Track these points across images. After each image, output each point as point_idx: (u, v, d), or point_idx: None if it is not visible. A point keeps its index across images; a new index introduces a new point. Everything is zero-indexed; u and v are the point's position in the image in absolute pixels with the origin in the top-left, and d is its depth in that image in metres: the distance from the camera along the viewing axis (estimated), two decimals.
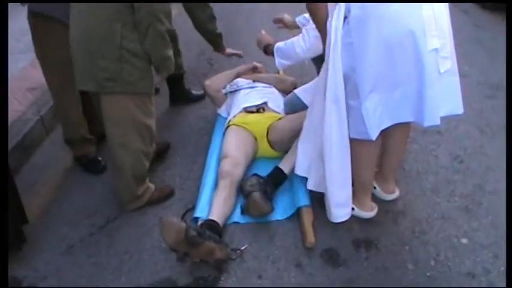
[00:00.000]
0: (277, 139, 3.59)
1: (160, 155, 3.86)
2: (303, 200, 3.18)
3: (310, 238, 2.92)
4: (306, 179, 3.20)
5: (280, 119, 3.72)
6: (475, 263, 2.75)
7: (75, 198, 3.62)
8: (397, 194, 3.26)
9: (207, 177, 3.48)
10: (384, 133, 2.73)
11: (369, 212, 3.11)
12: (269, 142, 3.64)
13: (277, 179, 3.35)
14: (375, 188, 3.22)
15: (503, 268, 2.69)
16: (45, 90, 4.35)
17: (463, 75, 4.50)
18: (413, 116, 2.62)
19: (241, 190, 3.24)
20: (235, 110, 3.91)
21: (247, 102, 3.92)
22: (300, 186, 3.26)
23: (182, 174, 3.71)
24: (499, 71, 4.53)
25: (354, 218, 3.11)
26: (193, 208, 3.06)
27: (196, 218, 3.15)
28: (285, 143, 3.51)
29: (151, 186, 3.42)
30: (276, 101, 3.97)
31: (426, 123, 2.60)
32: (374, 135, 2.62)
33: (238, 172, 3.37)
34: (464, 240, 2.91)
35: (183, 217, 2.92)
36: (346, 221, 3.08)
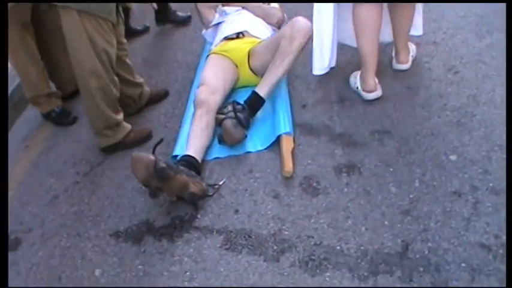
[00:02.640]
0: (258, 63, 3.44)
1: (155, 101, 3.76)
2: (284, 127, 3.03)
3: (287, 167, 2.80)
4: (289, 105, 3.26)
5: (260, 43, 3.51)
6: (462, 181, 2.56)
7: (62, 149, 3.60)
8: (409, 64, 3.42)
9: (188, 110, 3.37)
10: (390, 6, 3.17)
11: (370, 93, 3.21)
12: (250, 68, 3.48)
13: (255, 104, 3.20)
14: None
15: (491, 184, 2.50)
16: None
17: None
18: None
19: (216, 119, 3.11)
20: (216, 40, 3.76)
21: (228, 31, 3.73)
22: (281, 113, 3.12)
23: (167, 112, 3.62)
24: None
25: (336, 142, 2.98)
26: (161, 141, 2.92)
27: (176, 156, 3.04)
28: (266, 67, 3.30)
29: (127, 125, 3.34)
30: (259, 28, 3.77)
31: None
32: None
33: (215, 99, 3.23)
34: (453, 157, 2.71)
35: (153, 151, 2.79)
36: (328, 146, 2.97)
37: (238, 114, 3.07)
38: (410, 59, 3.45)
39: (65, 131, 3.76)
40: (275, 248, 2.46)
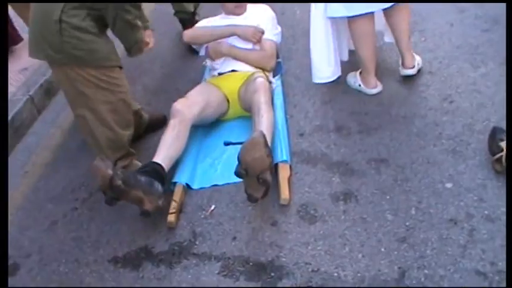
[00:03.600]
0: (247, 105, 3.42)
1: (154, 127, 3.76)
2: (281, 155, 3.06)
3: (284, 194, 2.82)
4: (287, 133, 3.30)
5: (251, 75, 3.56)
6: (458, 208, 2.59)
7: (61, 175, 3.62)
8: (416, 69, 3.58)
9: None
10: (385, 13, 3.44)
11: (372, 89, 3.57)
12: (241, 106, 3.55)
13: None
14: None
15: (486, 212, 2.53)
16: (36, 69, 4.33)
17: (461, 11, 4.38)
18: None
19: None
20: (211, 72, 3.92)
21: (223, 67, 3.82)
22: (279, 141, 3.15)
23: None
24: (497, 4, 4.25)
25: (333, 170, 3.01)
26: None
27: (175, 183, 3.11)
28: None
29: (136, 163, 3.32)
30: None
31: None
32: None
33: (192, 112, 3.27)
34: (448, 185, 2.74)
35: (115, 163, 2.92)
36: (326, 174, 2.99)
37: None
38: (417, 65, 3.58)
39: (65, 158, 3.78)
40: (273, 274, 2.48)
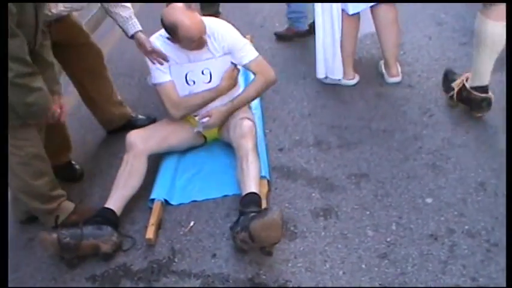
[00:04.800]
0: (226, 135, 3.29)
1: (75, 179, 3.49)
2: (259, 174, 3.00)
3: None
4: (266, 148, 3.30)
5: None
6: (439, 224, 2.59)
7: None
8: (399, 78, 3.79)
9: (168, 155, 3.41)
10: (373, 15, 3.68)
11: (351, 80, 3.85)
12: (220, 136, 3.43)
13: (257, 201, 2.76)
14: (382, 75, 3.88)
15: (467, 227, 2.54)
16: None
17: (439, 24, 4.40)
18: None
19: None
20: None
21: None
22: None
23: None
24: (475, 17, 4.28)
25: (313, 185, 3.00)
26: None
27: (153, 200, 3.07)
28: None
29: (66, 205, 3.02)
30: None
31: None
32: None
33: (147, 145, 3.12)
34: (429, 200, 2.74)
35: (56, 224, 2.83)
36: (306, 190, 2.98)
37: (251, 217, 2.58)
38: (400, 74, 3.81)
39: None
40: None
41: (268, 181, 3.03)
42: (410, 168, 2.97)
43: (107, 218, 2.83)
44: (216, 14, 4.71)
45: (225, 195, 3.03)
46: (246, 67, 3.24)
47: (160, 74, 3.18)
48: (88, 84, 3.58)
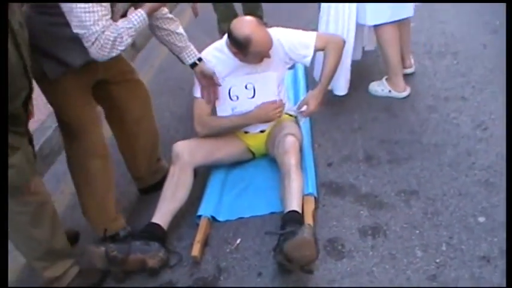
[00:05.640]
0: (273, 155, 3.25)
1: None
2: (306, 188, 2.99)
3: None
4: (313, 163, 3.23)
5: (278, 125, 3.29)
6: (491, 245, 2.49)
7: None
8: (413, 69, 3.95)
9: (215, 170, 3.41)
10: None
11: (402, 92, 3.75)
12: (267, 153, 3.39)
13: (297, 219, 2.73)
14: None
15: None
16: None
17: (494, 31, 4.27)
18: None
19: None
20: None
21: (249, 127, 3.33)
22: (305, 172, 3.08)
23: None
24: None
25: (362, 203, 2.94)
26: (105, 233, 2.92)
27: (200, 216, 3.06)
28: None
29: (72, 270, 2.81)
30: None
31: None
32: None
33: (193, 157, 3.10)
34: (481, 219, 2.65)
35: (104, 239, 2.84)
36: (354, 207, 2.93)
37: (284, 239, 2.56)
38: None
39: None
40: None
41: (315, 198, 2.97)
42: (462, 185, 2.88)
43: (154, 234, 2.84)
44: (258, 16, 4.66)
45: (272, 212, 2.98)
46: (316, 50, 3.19)
47: (198, 89, 3.20)
48: (130, 129, 3.17)
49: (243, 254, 2.81)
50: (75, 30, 2.39)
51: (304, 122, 3.55)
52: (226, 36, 3.09)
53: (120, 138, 3.24)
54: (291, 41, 3.17)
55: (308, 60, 3.22)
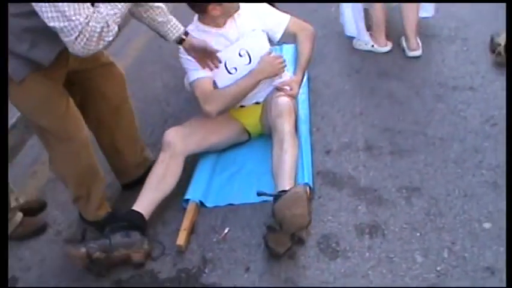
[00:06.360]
0: (268, 128, 3.04)
1: (32, 213, 3.06)
2: (302, 177, 2.81)
3: None
4: (311, 150, 3.07)
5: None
6: (497, 255, 2.33)
7: None
8: (420, 51, 3.86)
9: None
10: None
11: (384, 47, 3.98)
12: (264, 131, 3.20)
13: None
14: (403, 50, 3.96)
15: None
16: None
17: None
18: None
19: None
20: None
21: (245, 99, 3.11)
22: (301, 160, 2.91)
23: None
24: None
25: (360, 197, 2.77)
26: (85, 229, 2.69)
27: (187, 200, 2.89)
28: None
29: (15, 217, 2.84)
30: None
31: None
32: None
33: (186, 145, 2.90)
34: (486, 225, 2.48)
35: (83, 237, 2.60)
36: (352, 201, 2.75)
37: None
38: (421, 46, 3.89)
39: None
40: None
41: (310, 188, 2.78)
42: (468, 185, 2.71)
43: (134, 222, 2.65)
44: None
45: (264, 201, 2.78)
46: (286, 32, 3.13)
47: (194, 72, 2.98)
48: (110, 120, 2.88)
49: (230, 245, 2.64)
50: (50, 24, 2.02)
51: (303, 104, 3.37)
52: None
53: (99, 132, 2.92)
54: (263, 12, 3.13)
55: (278, 36, 3.14)
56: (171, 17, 2.72)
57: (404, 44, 3.93)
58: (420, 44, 3.86)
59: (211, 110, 2.93)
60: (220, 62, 2.95)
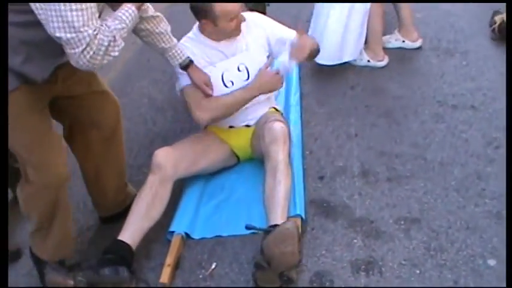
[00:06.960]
0: (260, 152, 2.89)
1: None
2: (293, 208, 2.65)
3: None
4: (303, 176, 2.92)
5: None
6: None
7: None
8: (421, 41, 3.95)
9: (191, 181, 3.00)
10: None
11: (382, 61, 3.84)
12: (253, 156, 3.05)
13: None
14: (403, 41, 3.98)
15: None
16: None
17: None
18: None
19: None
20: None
21: (236, 120, 2.99)
22: (292, 187, 2.72)
23: None
24: None
25: (356, 229, 2.60)
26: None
27: (172, 232, 2.71)
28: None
29: None
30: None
31: None
32: None
33: (176, 168, 2.72)
34: (491, 262, 2.33)
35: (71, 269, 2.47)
36: (347, 234, 2.59)
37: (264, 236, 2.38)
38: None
39: None
40: None
41: (302, 219, 2.63)
42: (471, 216, 2.55)
43: (122, 256, 2.46)
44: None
45: (254, 233, 2.61)
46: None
47: (186, 77, 2.80)
48: (98, 150, 2.70)
49: (217, 283, 2.48)
50: (56, 34, 1.90)
51: (295, 124, 3.21)
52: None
53: (85, 161, 2.74)
54: (272, 27, 2.96)
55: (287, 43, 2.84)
56: (175, 43, 2.65)
57: (405, 38, 4.00)
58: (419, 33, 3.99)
59: (203, 117, 2.80)
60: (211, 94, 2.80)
